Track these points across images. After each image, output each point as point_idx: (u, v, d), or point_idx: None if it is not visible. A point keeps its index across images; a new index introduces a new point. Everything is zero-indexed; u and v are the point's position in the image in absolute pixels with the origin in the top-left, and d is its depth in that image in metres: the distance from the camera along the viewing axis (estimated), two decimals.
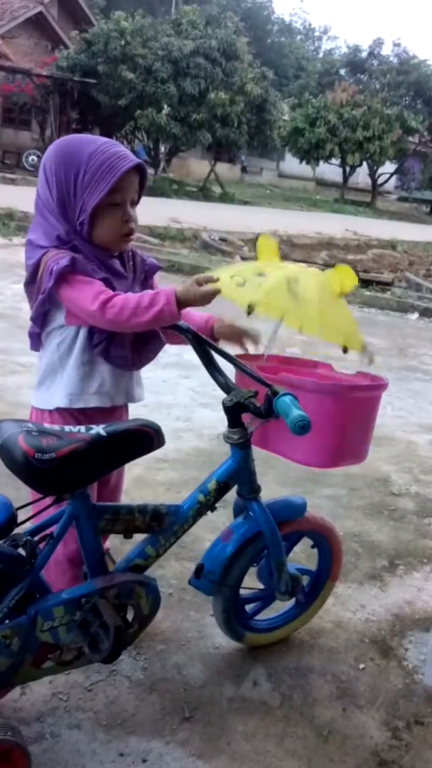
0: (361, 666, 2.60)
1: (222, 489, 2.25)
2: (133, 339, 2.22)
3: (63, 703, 2.27)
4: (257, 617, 2.64)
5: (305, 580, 2.59)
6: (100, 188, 2.09)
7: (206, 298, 2.03)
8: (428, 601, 3.08)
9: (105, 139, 2.18)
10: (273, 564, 2.39)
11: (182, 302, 2.03)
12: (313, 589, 2.67)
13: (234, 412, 2.16)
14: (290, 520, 2.43)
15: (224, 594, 2.42)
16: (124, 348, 2.20)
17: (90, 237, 2.16)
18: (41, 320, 2.22)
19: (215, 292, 2.02)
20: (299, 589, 2.51)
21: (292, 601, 2.62)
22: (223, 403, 2.14)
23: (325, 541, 2.60)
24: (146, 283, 2.37)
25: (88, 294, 2.06)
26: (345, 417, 2.14)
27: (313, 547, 2.65)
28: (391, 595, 3.09)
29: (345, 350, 2.15)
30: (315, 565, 2.67)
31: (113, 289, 2.12)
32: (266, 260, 2.23)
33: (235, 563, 2.39)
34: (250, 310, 1.99)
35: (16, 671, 1.98)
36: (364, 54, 53.28)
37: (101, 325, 2.11)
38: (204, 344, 2.24)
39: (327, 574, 2.65)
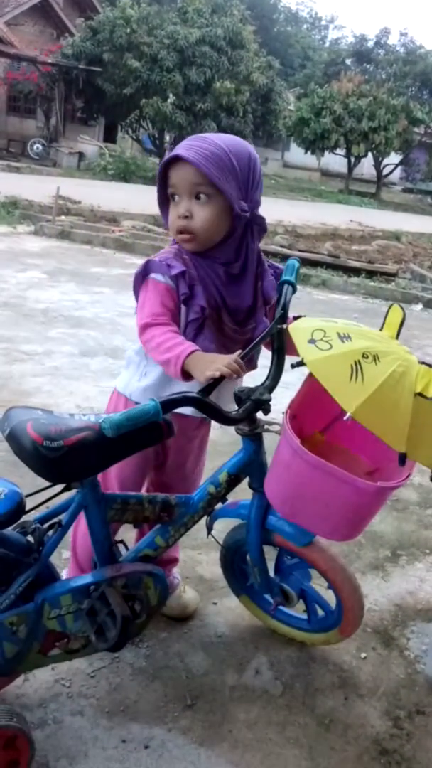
0: (363, 655, 2.61)
1: (233, 481, 2.24)
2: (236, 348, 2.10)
3: (65, 689, 2.28)
4: None
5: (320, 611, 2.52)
6: (157, 183, 2.11)
7: (209, 377, 1.90)
8: (430, 591, 3.09)
9: (205, 134, 2.13)
10: (248, 557, 2.40)
11: (188, 366, 1.92)
12: (321, 623, 2.53)
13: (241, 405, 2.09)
14: (285, 537, 2.31)
15: (222, 550, 2.53)
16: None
17: None
18: None
19: (215, 377, 1.88)
20: (283, 602, 2.43)
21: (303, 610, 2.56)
22: (234, 393, 2.09)
23: (335, 590, 2.36)
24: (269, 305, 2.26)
25: (146, 308, 2.06)
26: (301, 479, 1.98)
27: (328, 588, 2.43)
28: (393, 586, 3.10)
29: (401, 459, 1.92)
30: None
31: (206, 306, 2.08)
32: (386, 331, 2.07)
33: (233, 531, 2.47)
34: (297, 364, 1.90)
35: (22, 658, 1.99)
36: (370, 44, 53.23)
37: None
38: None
39: (334, 622, 2.46)
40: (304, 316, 2.10)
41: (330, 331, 1.90)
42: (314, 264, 12.01)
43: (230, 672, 2.45)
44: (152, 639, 2.54)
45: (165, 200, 2.13)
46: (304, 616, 2.56)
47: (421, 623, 2.86)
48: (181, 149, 2.03)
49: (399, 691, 2.49)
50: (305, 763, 2.14)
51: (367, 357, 1.85)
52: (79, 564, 2.42)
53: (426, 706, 2.43)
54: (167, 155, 2.08)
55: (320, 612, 2.50)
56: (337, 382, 1.83)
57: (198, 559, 3.03)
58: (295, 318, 2.11)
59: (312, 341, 1.88)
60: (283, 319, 2.15)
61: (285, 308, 2.17)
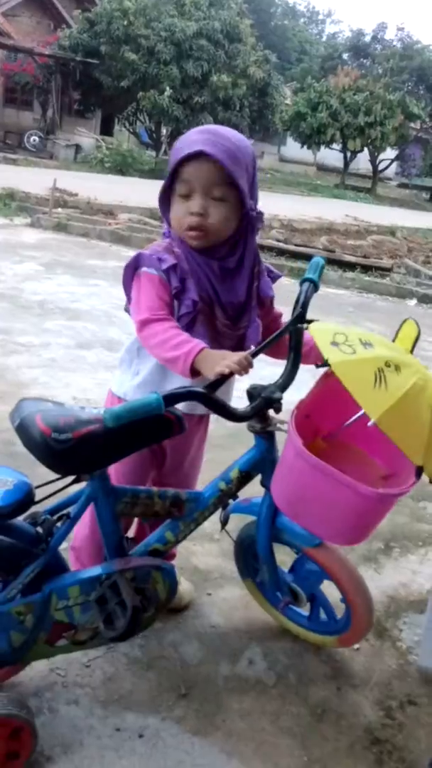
0: (356, 647, 2.62)
1: (244, 478, 2.23)
2: (231, 345, 2.13)
3: (61, 678, 2.29)
4: None
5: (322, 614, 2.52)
6: (167, 176, 2.04)
7: (219, 373, 1.85)
8: (423, 583, 3.11)
9: (206, 128, 2.05)
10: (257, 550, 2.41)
11: (197, 363, 1.88)
12: (322, 626, 2.53)
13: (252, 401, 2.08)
14: (293, 537, 2.31)
15: (235, 545, 2.55)
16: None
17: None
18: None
19: (224, 374, 1.84)
20: (292, 600, 2.43)
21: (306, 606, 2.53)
22: (247, 390, 2.08)
23: (347, 602, 2.34)
24: (265, 309, 2.26)
25: (142, 303, 2.02)
26: (303, 480, 1.95)
27: (342, 601, 2.37)
28: (386, 577, 3.12)
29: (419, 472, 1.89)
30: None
31: (200, 308, 2.07)
32: (399, 344, 2.02)
33: (246, 526, 2.47)
34: (323, 364, 1.89)
35: (29, 648, 2.01)
36: (367, 38, 53.18)
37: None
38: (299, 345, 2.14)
39: (336, 630, 2.46)
40: (318, 320, 2.07)
41: (351, 336, 1.87)
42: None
43: (224, 662, 2.47)
44: (147, 630, 2.55)
45: (168, 194, 2.08)
46: (305, 612, 2.57)
47: (413, 614, 2.88)
48: (202, 144, 1.96)
49: (391, 681, 2.51)
50: (298, 752, 2.16)
51: (389, 366, 1.81)
52: (80, 559, 2.43)
53: (418, 697, 2.45)
54: (188, 150, 1.97)
55: (323, 616, 2.51)
56: (362, 387, 1.79)
57: (192, 550, 3.04)
58: (309, 321, 2.06)
59: (335, 344, 1.84)
60: (302, 317, 2.13)
61: (304, 307, 2.13)
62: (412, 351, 2.01)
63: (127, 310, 2.21)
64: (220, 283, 2.10)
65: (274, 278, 2.28)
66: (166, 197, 2.10)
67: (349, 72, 35.78)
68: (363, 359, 1.81)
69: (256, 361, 1.94)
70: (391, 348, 1.93)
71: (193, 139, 1.99)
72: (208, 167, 1.97)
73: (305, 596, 2.41)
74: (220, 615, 2.68)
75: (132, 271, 2.08)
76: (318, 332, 1.91)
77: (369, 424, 1.78)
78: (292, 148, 40.50)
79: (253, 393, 2.05)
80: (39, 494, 1.96)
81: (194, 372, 1.90)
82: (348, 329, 1.93)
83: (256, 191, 2.12)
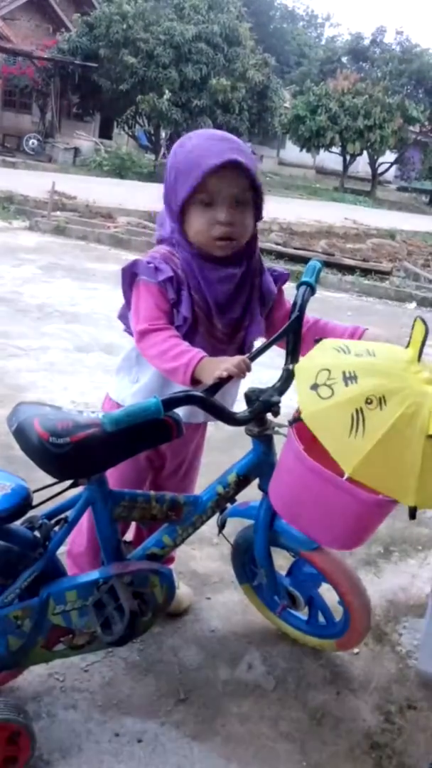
0: (356, 651, 2.62)
1: (242, 482, 2.23)
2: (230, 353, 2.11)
3: (59, 683, 2.29)
4: None
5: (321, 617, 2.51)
6: (186, 186, 1.95)
7: (218, 377, 1.85)
8: (422, 587, 3.10)
9: (219, 134, 2.02)
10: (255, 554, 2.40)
11: (198, 372, 1.88)
12: (320, 629, 2.52)
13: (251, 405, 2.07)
14: (291, 540, 2.30)
15: (232, 549, 2.54)
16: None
17: (187, 237, 2.04)
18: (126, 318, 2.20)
19: (223, 378, 1.85)
20: (290, 604, 2.41)
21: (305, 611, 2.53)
22: (245, 394, 2.07)
23: (344, 604, 2.33)
24: (268, 306, 2.23)
25: (141, 313, 2.01)
26: (301, 484, 1.91)
27: (340, 603, 2.36)
28: (385, 582, 3.12)
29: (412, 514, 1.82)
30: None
31: (199, 315, 2.06)
32: (411, 349, 1.86)
33: (243, 531, 2.47)
34: (294, 419, 1.84)
35: (27, 652, 2.01)
36: (366, 42, 53.29)
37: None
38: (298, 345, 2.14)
39: (335, 633, 2.46)
40: (324, 338, 1.97)
41: (336, 371, 1.75)
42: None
43: (223, 666, 2.46)
44: (146, 634, 2.54)
45: (183, 204, 2.00)
46: (304, 616, 2.56)
47: (413, 619, 2.87)
48: (231, 153, 1.93)
49: (391, 685, 2.50)
50: (297, 757, 2.16)
51: (370, 402, 1.69)
52: (77, 564, 2.42)
53: (417, 701, 2.45)
54: (218, 160, 1.91)
55: (321, 619, 2.51)
56: (334, 438, 1.72)
57: (191, 554, 3.04)
58: (317, 341, 1.93)
59: (314, 386, 1.75)
60: (299, 321, 2.13)
61: (302, 310, 2.14)
62: (420, 356, 1.87)
63: (120, 317, 2.22)
64: (222, 291, 2.08)
65: (276, 278, 2.26)
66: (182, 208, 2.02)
67: (348, 75, 35.82)
68: (339, 402, 1.71)
69: (254, 365, 1.94)
70: (383, 370, 1.77)
71: (217, 149, 1.94)
72: (234, 176, 1.96)
73: (303, 600, 2.40)
74: (219, 619, 2.68)
75: (129, 277, 2.07)
76: (301, 372, 1.84)
77: (344, 477, 1.73)
78: (292, 151, 40.45)
79: (251, 396, 2.04)
80: (36, 498, 1.95)
81: (195, 381, 1.89)
82: (339, 358, 1.81)
83: None
